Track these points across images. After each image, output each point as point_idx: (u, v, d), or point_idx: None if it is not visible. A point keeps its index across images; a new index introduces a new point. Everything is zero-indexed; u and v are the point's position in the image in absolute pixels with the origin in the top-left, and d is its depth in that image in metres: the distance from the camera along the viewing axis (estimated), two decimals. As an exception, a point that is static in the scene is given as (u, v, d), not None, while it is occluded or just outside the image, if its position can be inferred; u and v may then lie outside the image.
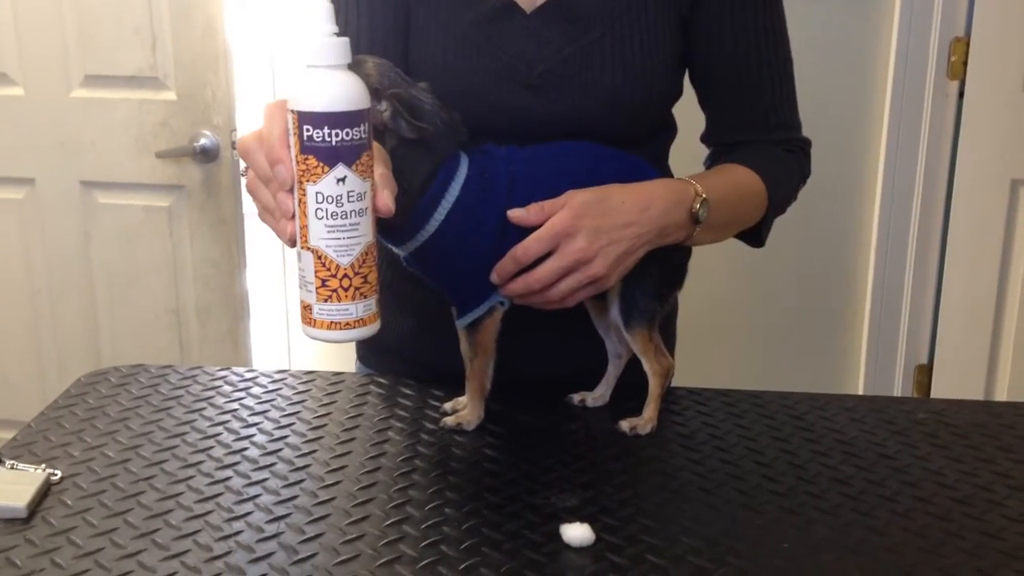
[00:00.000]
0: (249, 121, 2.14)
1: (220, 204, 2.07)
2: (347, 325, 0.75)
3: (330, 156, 0.70)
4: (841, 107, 2.17)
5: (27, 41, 2.06)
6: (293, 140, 0.71)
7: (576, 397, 1.05)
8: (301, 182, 0.71)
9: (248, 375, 1.11)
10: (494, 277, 0.91)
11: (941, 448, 0.96)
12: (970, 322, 2.23)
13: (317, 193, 0.71)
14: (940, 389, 2.25)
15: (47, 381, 2.25)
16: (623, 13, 1.01)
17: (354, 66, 0.91)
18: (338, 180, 0.70)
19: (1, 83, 2.10)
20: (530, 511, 0.83)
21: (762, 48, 1.05)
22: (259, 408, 1.03)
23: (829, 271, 2.27)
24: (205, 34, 1.98)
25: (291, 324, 2.48)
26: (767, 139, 1.08)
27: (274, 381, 1.10)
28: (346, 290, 0.74)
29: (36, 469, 0.87)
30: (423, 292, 1.03)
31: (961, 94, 2.12)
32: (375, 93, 0.91)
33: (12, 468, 0.87)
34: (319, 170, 0.70)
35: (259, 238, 2.39)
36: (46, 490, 0.85)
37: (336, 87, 0.71)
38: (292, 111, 0.71)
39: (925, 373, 2.28)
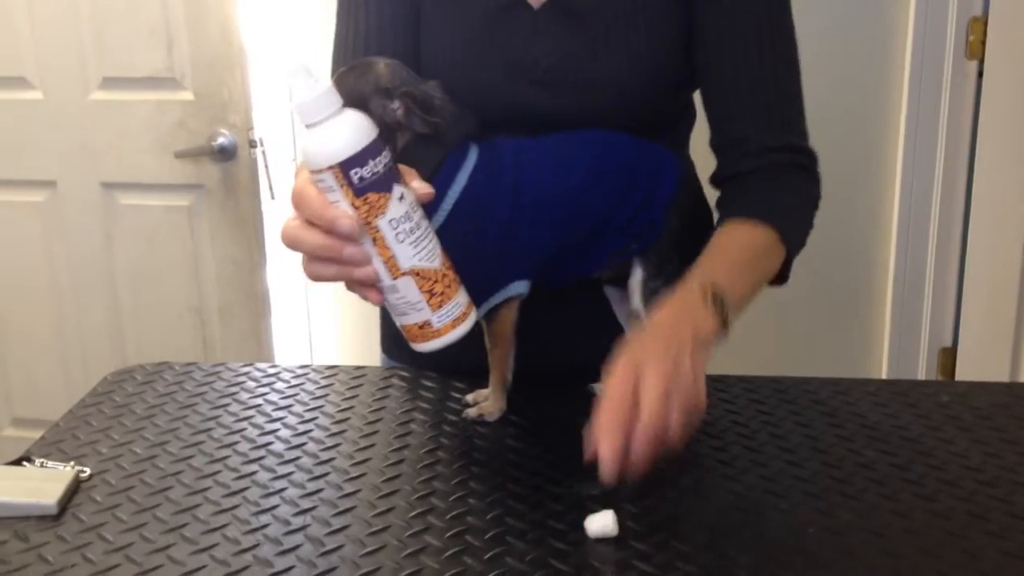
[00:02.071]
0: (266, 119, 2.15)
1: (239, 202, 2.09)
2: (464, 315, 0.77)
3: (384, 183, 0.71)
4: (859, 89, 2.15)
5: (44, 45, 2.08)
6: (342, 193, 0.72)
7: (598, 386, 1.05)
8: (369, 223, 0.72)
9: (271, 370, 1.12)
10: (611, 471, 0.76)
11: (965, 430, 0.96)
12: (994, 304, 2.21)
13: (391, 221, 0.72)
14: (964, 372, 2.23)
15: (72, 381, 2.28)
16: (629, 5, 1.00)
17: (366, 67, 0.93)
18: (400, 199, 0.72)
19: (20, 87, 2.13)
20: (554, 500, 0.84)
21: (765, 43, 1.02)
22: (283, 403, 1.04)
23: (850, 255, 2.26)
24: (221, 34, 2.00)
25: (312, 320, 2.49)
26: (769, 145, 1.02)
27: (297, 376, 1.11)
28: (449, 286, 0.75)
29: (65, 467, 0.88)
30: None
31: (980, 74, 2.10)
32: (387, 93, 0.92)
33: (42, 466, 0.89)
34: (382, 201, 0.72)
35: (279, 235, 2.40)
36: (76, 487, 0.86)
37: (354, 124, 0.72)
38: (329, 168, 0.71)
39: (949, 356, 2.27)
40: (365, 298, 0.77)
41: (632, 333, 0.86)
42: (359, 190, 0.71)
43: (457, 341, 0.77)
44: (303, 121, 0.71)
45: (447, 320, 0.75)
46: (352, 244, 0.73)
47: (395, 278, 0.74)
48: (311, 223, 0.74)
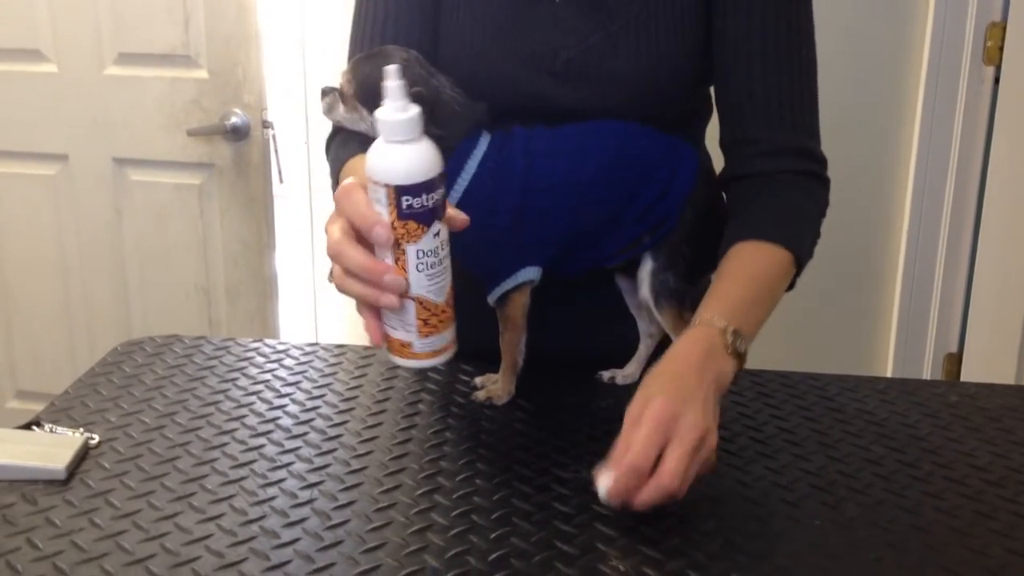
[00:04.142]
0: (279, 101, 2.15)
1: (250, 183, 2.09)
2: (444, 349, 0.79)
3: (428, 217, 0.74)
4: (875, 92, 2.15)
5: (61, 18, 2.08)
6: (387, 210, 0.74)
7: (606, 374, 1.05)
8: (399, 243, 0.75)
9: (280, 348, 1.12)
10: (614, 500, 0.77)
11: (973, 430, 0.95)
12: (1001, 311, 2.20)
13: (418, 251, 0.75)
14: (969, 378, 2.23)
15: (77, 355, 2.28)
16: (651, 1, 1.00)
17: (382, 59, 0.93)
18: (435, 235, 0.75)
19: (35, 60, 2.12)
20: (560, 484, 0.84)
21: (784, 43, 1.01)
22: (291, 380, 1.04)
23: (860, 257, 2.26)
24: (237, 13, 1.99)
25: (319, 305, 2.49)
26: (781, 146, 1.01)
27: (305, 354, 1.11)
28: (442, 321, 0.78)
29: (74, 433, 0.88)
30: (453, 268, 1.03)
31: (997, 80, 2.09)
32: None
33: (51, 432, 0.89)
34: (419, 231, 0.74)
35: (289, 219, 2.41)
36: (84, 453, 0.86)
37: (424, 156, 0.74)
38: (386, 185, 0.73)
39: (955, 362, 2.26)
40: (376, 301, 0.76)
41: (660, 368, 0.84)
42: (403, 214, 0.73)
43: (429, 368, 0.81)
44: (382, 135, 0.74)
45: (428, 349, 0.78)
46: (392, 273, 0.74)
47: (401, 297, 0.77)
48: (352, 238, 0.75)
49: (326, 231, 0.77)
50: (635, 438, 0.76)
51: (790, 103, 1.02)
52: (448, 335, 0.79)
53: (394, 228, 0.74)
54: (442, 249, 0.76)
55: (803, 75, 1.02)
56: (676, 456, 0.76)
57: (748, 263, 0.96)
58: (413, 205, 0.73)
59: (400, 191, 0.73)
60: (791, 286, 1.02)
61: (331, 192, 1.04)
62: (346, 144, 1.02)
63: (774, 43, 1.01)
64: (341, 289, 0.78)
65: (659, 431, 0.76)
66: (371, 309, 0.77)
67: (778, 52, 1.01)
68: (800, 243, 0.98)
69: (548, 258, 0.96)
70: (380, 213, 0.74)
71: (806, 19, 1.03)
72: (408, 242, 0.74)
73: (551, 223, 0.95)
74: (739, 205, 1.02)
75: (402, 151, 0.73)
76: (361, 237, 0.75)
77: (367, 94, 0.96)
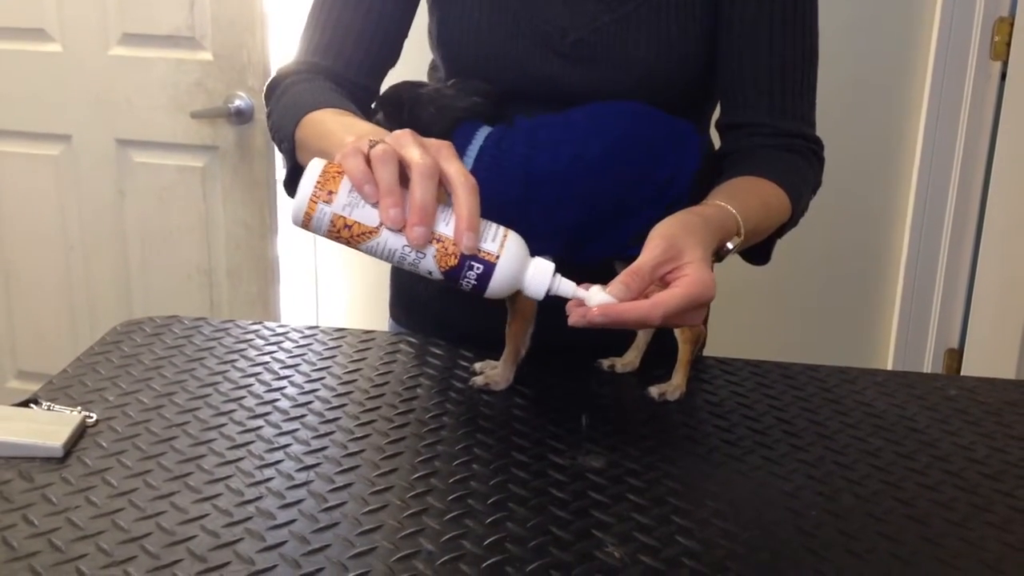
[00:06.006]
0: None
1: (253, 166, 2.09)
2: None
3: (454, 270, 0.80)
4: (881, 86, 2.14)
5: (67, -2, 2.08)
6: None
7: (606, 362, 1.05)
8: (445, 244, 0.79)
9: (279, 330, 1.12)
10: (597, 301, 0.81)
11: (972, 424, 0.95)
12: (1004, 307, 2.20)
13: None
14: (970, 374, 2.23)
15: (78, 336, 2.28)
16: None
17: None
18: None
19: (40, 39, 2.12)
20: (556, 471, 0.84)
21: (789, 33, 1.02)
22: (290, 362, 1.04)
23: (863, 251, 2.25)
24: (243, -5, 1.99)
25: (320, 288, 2.49)
26: (782, 130, 1.03)
27: (305, 336, 1.11)
28: (364, 236, 0.79)
29: (72, 411, 0.88)
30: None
31: (1003, 75, 2.08)
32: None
33: (49, 409, 0.89)
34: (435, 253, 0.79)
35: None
36: (82, 432, 0.86)
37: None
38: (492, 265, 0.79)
39: (955, 357, 2.26)
40: (367, 198, 0.76)
41: (687, 218, 0.87)
42: (454, 268, 0.79)
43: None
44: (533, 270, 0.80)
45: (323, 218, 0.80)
46: (397, 210, 0.76)
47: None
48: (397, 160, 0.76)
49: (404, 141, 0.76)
50: (649, 258, 0.80)
51: (792, 92, 1.03)
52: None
53: (440, 240, 0.77)
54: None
55: (806, 65, 1.04)
56: (668, 303, 0.78)
57: (761, 189, 0.97)
58: (462, 277, 0.78)
59: (476, 283, 0.79)
60: (766, 258, 1.04)
61: (281, 120, 1.02)
62: (315, 80, 1.03)
63: (780, 32, 1.01)
64: (344, 158, 0.77)
65: (656, 272, 0.80)
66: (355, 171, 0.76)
67: (784, 41, 1.02)
68: (797, 196, 0.99)
69: (560, 247, 0.95)
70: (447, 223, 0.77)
71: (812, 8, 1.03)
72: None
73: (559, 212, 0.94)
74: (736, 158, 1.03)
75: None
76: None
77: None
